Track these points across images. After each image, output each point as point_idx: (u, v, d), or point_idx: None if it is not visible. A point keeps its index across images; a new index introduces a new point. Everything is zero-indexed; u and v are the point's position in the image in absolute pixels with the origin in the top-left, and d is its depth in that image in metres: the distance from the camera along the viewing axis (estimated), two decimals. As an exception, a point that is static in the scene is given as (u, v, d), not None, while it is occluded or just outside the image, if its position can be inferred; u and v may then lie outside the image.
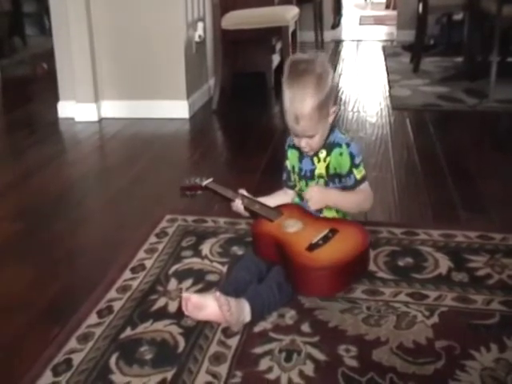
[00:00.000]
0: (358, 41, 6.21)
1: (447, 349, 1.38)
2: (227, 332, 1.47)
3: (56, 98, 3.55)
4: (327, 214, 1.75)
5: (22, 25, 6.17)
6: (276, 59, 4.21)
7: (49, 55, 3.71)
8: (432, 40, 5.29)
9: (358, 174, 1.72)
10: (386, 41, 6.09)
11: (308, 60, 1.66)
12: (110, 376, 1.34)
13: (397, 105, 3.59)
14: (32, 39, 6.18)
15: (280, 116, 3.35)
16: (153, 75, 3.41)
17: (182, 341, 1.44)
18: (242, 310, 1.47)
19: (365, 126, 3.23)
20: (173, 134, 3.24)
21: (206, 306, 1.48)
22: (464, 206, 2.16)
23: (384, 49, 5.56)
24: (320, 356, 1.37)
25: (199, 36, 3.60)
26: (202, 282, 1.70)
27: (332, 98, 1.68)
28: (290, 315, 1.53)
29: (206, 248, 1.88)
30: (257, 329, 1.48)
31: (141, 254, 1.86)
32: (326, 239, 1.60)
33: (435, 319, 1.49)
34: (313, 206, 1.70)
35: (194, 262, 1.81)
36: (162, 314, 1.56)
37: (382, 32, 6.60)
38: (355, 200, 1.74)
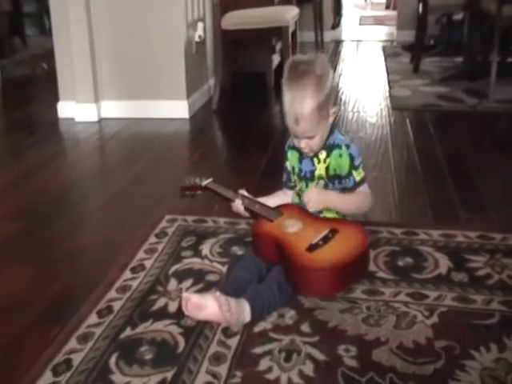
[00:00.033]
0: (358, 41, 6.21)
1: (447, 349, 1.38)
2: (227, 332, 1.47)
3: (56, 98, 3.55)
4: (327, 214, 1.75)
5: (22, 25, 6.17)
6: (276, 59, 4.21)
7: (49, 55, 3.72)
8: (432, 40, 5.29)
9: (358, 175, 1.72)
10: (385, 41, 6.09)
11: (308, 61, 1.66)
12: (110, 376, 1.34)
13: (397, 105, 3.59)
14: (32, 39, 6.19)
15: (280, 116, 3.35)
16: (153, 75, 3.41)
17: (181, 341, 1.44)
18: (242, 310, 1.47)
19: (365, 126, 3.23)
20: (173, 133, 3.24)
21: (206, 306, 1.48)
22: (464, 206, 2.17)
23: (384, 49, 5.56)
24: (320, 356, 1.37)
25: (199, 36, 3.60)
26: (201, 282, 1.70)
27: (332, 99, 1.68)
28: (290, 315, 1.53)
29: (205, 248, 1.88)
30: (257, 329, 1.48)
31: (141, 254, 1.86)
32: (326, 239, 1.60)
33: (435, 319, 1.49)
34: (311, 208, 1.71)
35: (194, 262, 1.81)
36: (161, 314, 1.56)
37: (382, 32, 6.60)
38: (354, 202, 1.74)
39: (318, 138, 1.69)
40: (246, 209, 1.79)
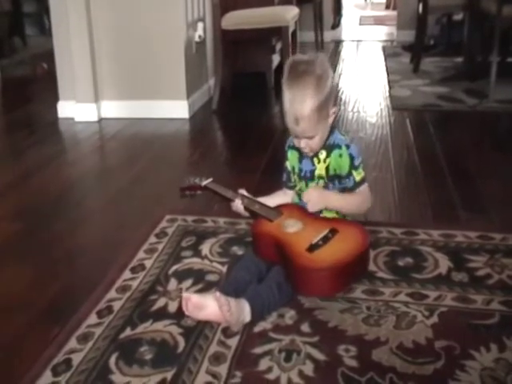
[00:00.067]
0: (358, 41, 6.21)
1: (447, 349, 1.38)
2: (227, 332, 1.47)
3: (56, 98, 3.55)
4: (327, 214, 1.75)
5: (22, 25, 6.18)
6: (276, 59, 4.21)
7: (49, 55, 3.71)
8: (432, 40, 5.29)
9: (358, 175, 1.72)
10: (385, 41, 6.09)
11: (308, 61, 1.66)
12: (110, 376, 1.34)
13: (397, 105, 3.59)
14: (32, 39, 6.19)
15: (280, 116, 3.35)
16: (153, 75, 3.41)
17: (181, 341, 1.44)
18: (242, 310, 1.47)
19: (365, 126, 3.23)
20: (173, 134, 3.24)
21: (206, 306, 1.48)
22: (464, 206, 2.17)
23: (384, 49, 5.56)
24: (320, 356, 1.37)
25: (199, 36, 3.60)
26: (201, 282, 1.70)
27: (332, 99, 1.68)
28: (290, 315, 1.53)
29: (205, 248, 1.88)
30: (257, 329, 1.48)
31: (141, 254, 1.86)
32: (325, 239, 1.60)
33: (435, 319, 1.49)
34: (311, 208, 1.70)
35: (194, 262, 1.81)
36: (161, 314, 1.56)
37: (382, 32, 6.60)
38: (354, 202, 1.74)
39: (317, 138, 1.69)
40: (246, 209, 1.79)
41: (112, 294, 1.65)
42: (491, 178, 2.43)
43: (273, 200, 1.84)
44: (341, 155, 1.71)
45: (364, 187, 1.74)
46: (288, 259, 1.56)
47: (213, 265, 1.79)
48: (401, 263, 1.76)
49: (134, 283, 1.70)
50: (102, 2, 3.32)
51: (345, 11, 7.22)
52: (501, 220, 2.05)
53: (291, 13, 3.69)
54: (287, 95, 1.64)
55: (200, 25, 3.61)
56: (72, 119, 3.45)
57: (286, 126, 1.71)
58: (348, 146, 1.71)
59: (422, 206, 2.19)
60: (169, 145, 3.05)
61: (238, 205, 1.80)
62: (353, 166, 1.71)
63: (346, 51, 5.69)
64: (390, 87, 4.04)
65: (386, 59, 5.03)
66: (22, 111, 3.85)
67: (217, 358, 1.38)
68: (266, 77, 4.11)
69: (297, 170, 1.81)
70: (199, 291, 1.64)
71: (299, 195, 1.80)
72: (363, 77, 4.55)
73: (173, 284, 1.70)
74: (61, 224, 2.16)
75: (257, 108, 3.71)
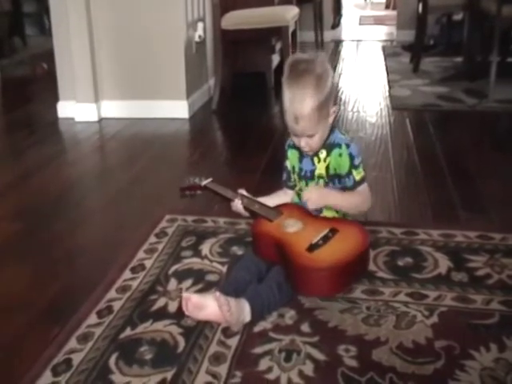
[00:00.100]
0: (358, 41, 6.21)
1: (447, 349, 1.38)
2: (227, 332, 1.47)
3: (56, 98, 3.55)
4: (327, 213, 1.75)
5: (22, 25, 6.18)
6: (276, 59, 4.21)
7: (49, 55, 3.71)
8: (432, 40, 5.29)
9: (357, 175, 1.72)
10: (385, 41, 6.09)
11: (308, 60, 1.66)
12: (110, 376, 1.34)
13: (397, 105, 3.59)
14: (32, 39, 6.19)
15: (280, 116, 3.35)
16: (153, 75, 3.41)
17: (181, 341, 1.44)
18: (242, 310, 1.47)
19: (365, 126, 3.23)
20: (173, 134, 3.24)
21: (206, 306, 1.48)
22: (464, 206, 2.17)
23: (384, 49, 5.56)
24: (320, 356, 1.37)
25: (199, 36, 3.60)
26: (201, 282, 1.70)
27: (332, 98, 1.68)
28: (290, 315, 1.53)
29: (205, 248, 1.88)
30: (257, 329, 1.48)
31: (140, 254, 1.86)
32: (325, 239, 1.60)
33: (435, 319, 1.49)
34: (311, 205, 1.70)
35: (194, 262, 1.81)
36: (161, 314, 1.56)
37: (382, 32, 6.60)
38: (354, 201, 1.73)
39: (317, 137, 1.68)
40: (246, 208, 1.79)
41: (112, 293, 1.65)
42: (491, 177, 2.43)
43: (273, 200, 1.84)
44: (341, 154, 1.71)
45: (364, 187, 1.74)
46: (288, 259, 1.56)
47: (213, 265, 1.79)
48: (401, 263, 1.77)
49: (134, 283, 1.70)
50: (102, 2, 3.32)
51: (345, 11, 7.22)
52: (501, 220, 2.05)
53: (291, 13, 3.69)
54: (287, 94, 1.64)
55: (200, 25, 3.61)
56: (72, 119, 3.45)
57: (285, 124, 1.71)
58: (348, 145, 1.71)
59: (422, 206, 2.19)
60: (169, 145, 3.06)
61: (237, 205, 1.80)
62: (353, 165, 1.71)
63: (345, 51, 5.69)
64: (389, 87, 4.04)
65: (385, 59, 5.03)
66: (21, 111, 3.85)
67: (217, 358, 1.38)
68: (265, 77, 4.11)
69: (297, 170, 1.81)
70: (199, 291, 1.64)
71: (299, 195, 1.80)
72: (363, 77, 4.55)
73: (173, 284, 1.70)
74: (61, 224, 2.16)
75: (257, 108, 3.71)
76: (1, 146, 3.29)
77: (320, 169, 1.74)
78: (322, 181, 1.75)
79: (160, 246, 1.91)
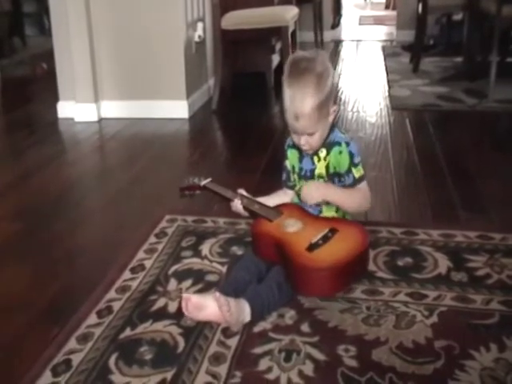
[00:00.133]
0: (358, 41, 6.22)
1: (446, 348, 1.38)
2: (227, 332, 1.47)
3: (56, 98, 3.55)
4: (326, 213, 1.75)
5: (21, 25, 6.18)
6: (276, 59, 4.21)
7: (49, 55, 3.71)
8: (432, 40, 5.29)
9: (357, 173, 1.71)
10: (385, 41, 6.09)
11: (309, 58, 1.65)
12: (110, 376, 1.34)
13: (396, 105, 3.59)
14: (32, 39, 6.19)
15: (280, 116, 3.35)
16: (153, 75, 3.41)
17: (181, 341, 1.44)
18: (242, 310, 1.47)
19: (364, 125, 3.23)
20: (173, 134, 3.24)
21: (206, 307, 1.48)
22: (464, 206, 2.17)
23: (383, 49, 5.56)
24: (319, 356, 1.37)
25: (199, 36, 3.60)
26: (201, 282, 1.70)
27: (332, 97, 1.68)
28: (290, 315, 1.53)
29: (205, 248, 1.88)
30: (256, 329, 1.48)
31: (140, 255, 1.86)
32: (325, 239, 1.60)
33: (434, 319, 1.49)
34: (311, 200, 1.70)
35: (194, 263, 1.81)
36: (161, 314, 1.56)
37: (382, 32, 6.60)
38: (353, 197, 1.73)
39: (317, 135, 1.68)
40: (246, 208, 1.79)
41: (112, 294, 1.65)
42: (491, 177, 2.43)
43: (273, 200, 1.83)
44: (340, 152, 1.71)
45: (363, 185, 1.74)
46: (288, 259, 1.56)
47: (212, 265, 1.79)
48: (400, 263, 1.77)
49: (134, 283, 1.70)
50: (102, 1, 3.32)
51: (344, 11, 7.22)
52: (500, 220, 2.05)
53: (291, 13, 3.69)
54: (288, 93, 1.64)
55: (200, 25, 3.61)
56: (72, 119, 3.45)
57: (286, 124, 1.71)
58: (348, 144, 1.71)
59: (422, 206, 2.19)
60: (169, 145, 3.06)
61: (237, 205, 1.80)
62: (352, 164, 1.71)
63: (345, 51, 5.69)
64: (389, 87, 4.04)
65: (385, 59, 5.03)
66: (21, 111, 3.85)
67: (217, 358, 1.38)
68: (265, 77, 4.11)
69: (297, 169, 1.80)
70: (199, 291, 1.65)
71: (299, 195, 1.80)
72: (363, 77, 4.55)
73: (173, 284, 1.70)
74: (61, 224, 2.16)
75: (257, 108, 3.71)
76: (1, 146, 3.29)
77: (320, 168, 1.74)
78: (321, 180, 1.75)
79: (160, 246, 1.91)
